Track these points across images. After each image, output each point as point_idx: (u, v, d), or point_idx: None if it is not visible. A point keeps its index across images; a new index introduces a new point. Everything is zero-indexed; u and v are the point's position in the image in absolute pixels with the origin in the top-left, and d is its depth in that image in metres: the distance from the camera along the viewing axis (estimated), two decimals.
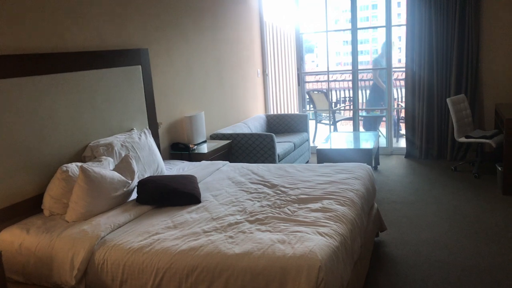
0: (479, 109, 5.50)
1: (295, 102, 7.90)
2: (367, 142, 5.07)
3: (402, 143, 6.66)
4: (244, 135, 4.78)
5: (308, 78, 10.63)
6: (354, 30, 6.04)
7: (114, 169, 2.98)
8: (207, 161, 3.97)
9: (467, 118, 5.15)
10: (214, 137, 4.88)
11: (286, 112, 7.76)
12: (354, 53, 6.13)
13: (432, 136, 5.76)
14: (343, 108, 7.84)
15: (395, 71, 7.37)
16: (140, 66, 3.80)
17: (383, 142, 6.35)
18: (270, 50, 6.96)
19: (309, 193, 2.85)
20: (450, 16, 5.37)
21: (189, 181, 3.05)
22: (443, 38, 5.46)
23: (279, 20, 7.19)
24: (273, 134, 4.70)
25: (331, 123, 6.91)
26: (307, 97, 7.33)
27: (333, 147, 5.04)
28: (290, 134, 5.81)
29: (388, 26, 5.86)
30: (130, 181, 2.91)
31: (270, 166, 3.64)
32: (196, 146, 4.40)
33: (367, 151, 4.62)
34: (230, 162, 4.60)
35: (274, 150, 4.71)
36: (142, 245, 2.29)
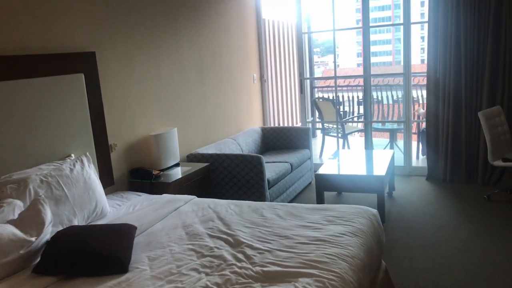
0: None
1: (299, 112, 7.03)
2: (379, 164, 4.14)
3: (423, 161, 5.69)
4: (227, 156, 3.91)
5: (319, 82, 9.72)
6: (365, 28, 5.12)
7: (16, 220, 2.16)
8: (169, 195, 3.13)
9: (504, 136, 4.18)
10: (192, 158, 4.03)
11: (289, 125, 6.87)
12: (366, 56, 5.21)
13: (459, 155, 4.79)
14: (351, 120, 6.87)
15: (415, 76, 6.42)
16: (82, 74, 2.98)
17: (400, 159, 5.40)
18: (269, 52, 6.08)
19: (282, 262, 1.97)
20: (482, 12, 4.40)
21: (121, 235, 2.20)
22: (474, 39, 4.49)
23: (281, 17, 6.31)
24: (261, 156, 3.83)
25: (338, 136, 5.99)
26: (315, 105, 6.43)
27: (335, 171, 4.12)
28: (289, 152, 4.92)
29: (407, 23, 4.92)
30: (33, 239, 2.08)
31: (245, 206, 2.76)
32: (162, 172, 3.56)
33: (378, 180, 3.70)
34: (207, 191, 3.75)
35: (263, 175, 3.83)
36: None
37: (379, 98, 7.71)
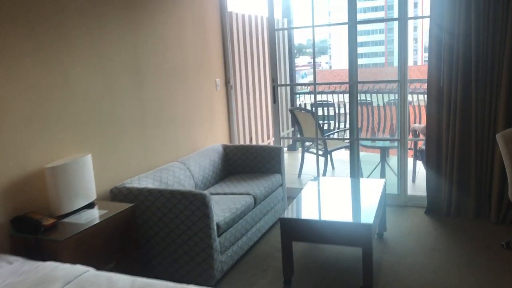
0: None
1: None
2: (367, 204, 3.15)
3: (419, 187, 4.71)
4: (160, 193, 2.89)
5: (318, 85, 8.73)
6: (352, 25, 4.12)
7: None
8: (53, 264, 2.11)
9: None
10: (116, 193, 3.01)
11: (263, 140, 5.85)
12: (352, 58, 4.21)
13: (467, 184, 3.82)
14: (334, 135, 5.84)
15: (412, 83, 5.45)
16: None
17: (393, 184, 4.42)
18: (237, 53, 5.08)
19: None
20: (499, 6, 3.43)
21: None
22: (488, 39, 3.53)
23: (253, 11, 5.31)
24: (205, 194, 2.81)
25: (318, 154, 4.98)
26: (292, 116, 5.43)
27: (308, 214, 3.12)
28: (255, 177, 3.92)
29: (403, 18, 3.93)
30: None
31: None
32: (60, 221, 2.53)
33: (365, 229, 2.69)
34: (129, 248, 2.73)
35: (209, 220, 2.82)
36: None
37: (368, 99, 6.73)
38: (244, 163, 4.15)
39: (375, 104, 6.53)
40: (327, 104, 6.41)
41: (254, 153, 4.12)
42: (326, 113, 6.41)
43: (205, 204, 2.79)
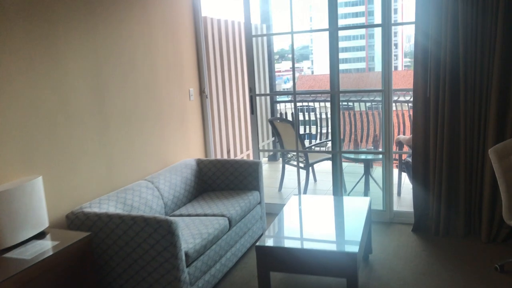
0: None
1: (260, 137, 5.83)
2: (351, 228, 2.89)
3: (406, 201, 4.49)
4: (121, 219, 2.58)
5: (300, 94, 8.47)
6: (333, 30, 3.88)
7: None
8: None
9: None
10: (73, 219, 2.68)
11: (242, 153, 5.56)
12: (334, 66, 3.97)
13: (456, 200, 3.60)
14: (315, 147, 5.58)
15: (397, 91, 5.25)
16: None
17: (377, 198, 4.18)
18: (213, 60, 4.80)
19: None
20: (488, 11, 3.23)
21: None
22: (477, 45, 3.32)
23: (230, 16, 5.04)
24: (171, 222, 2.50)
25: (299, 167, 4.72)
26: (272, 127, 5.16)
27: (286, 241, 2.84)
28: (231, 195, 3.63)
29: (386, 24, 3.70)
30: None
31: None
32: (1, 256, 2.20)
33: (349, 259, 2.42)
34: (88, 282, 2.41)
35: (176, 249, 2.51)
36: None
37: (350, 104, 6.52)
38: (220, 179, 3.86)
39: (357, 109, 6.32)
40: (309, 109, 6.17)
41: (230, 169, 3.83)
42: (308, 118, 6.18)
43: (171, 232, 2.49)
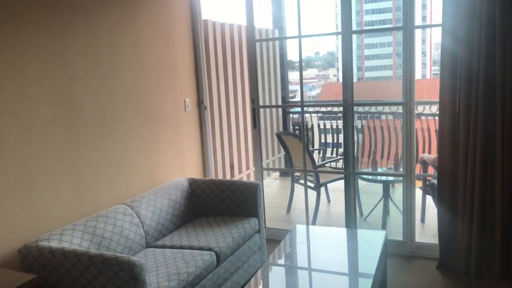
0: None
1: (265, 152, 5.37)
2: (360, 270, 2.38)
3: (432, 232, 3.91)
4: (77, 258, 2.13)
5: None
6: (346, 34, 3.38)
7: None
8: None
9: None
10: (25, 255, 2.26)
11: (249, 168, 5.06)
12: (347, 74, 3.46)
13: (491, 233, 3.02)
14: (329, 165, 5.01)
15: (420, 104, 4.70)
16: None
17: (397, 225, 3.64)
18: (214, 67, 4.36)
19: None
20: None
21: None
22: None
23: (235, 19, 4.60)
24: (136, 264, 2.05)
25: (308, 186, 4.20)
26: (280, 142, 4.66)
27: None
28: (225, 222, 3.16)
29: (408, 27, 3.18)
30: None
31: None
32: None
33: None
34: None
35: None
36: None
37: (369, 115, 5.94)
38: (214, 202, 3.39)
39: (377, 117, 5.74)
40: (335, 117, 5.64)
41: (225, 191, 3.36)
42: (330, 126, 5.66)
43: (134, 277, 2.03)
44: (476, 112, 2.92)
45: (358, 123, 6.05)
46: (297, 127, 6.62)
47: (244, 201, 3.30)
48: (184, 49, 3.78)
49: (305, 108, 5.01)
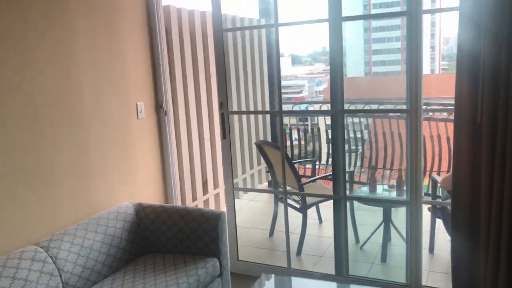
0: None
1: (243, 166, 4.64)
2: None
3: (442, 266, 3.16)
4: None
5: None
6: (334, 21, 2.63)
7: None
8: None
9: None
10: None
11: (219, 189, 4.29)
12: (335, 73, 2.72)
13: None
14: (317, 180, 4.17)
15: (429, 110, 3.96)
16: None
17: (400, 256, 2.91)
18: (180, 63, 3.64)
19: None
20: None
21: None
22: None
23: (207, 4, 3.87)
24: None
25: (295, 207, 3.47)
26: (261, 153, 3.92)
27: None
28: (175, 265, 2.45)
29: (414, 12, 2.42)
30: None
31: None
32: None
33: None
34: None
35: None
36: None
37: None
38: (165, 236, 2.67)
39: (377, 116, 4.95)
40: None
41: (178, 222, 2.65)
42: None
43: None
44: (505, 124, 2.17)
45: (356, 125, 5.29)
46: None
47: (203, 236, 2.58)
48: (137, 41, 3.06)
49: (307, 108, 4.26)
